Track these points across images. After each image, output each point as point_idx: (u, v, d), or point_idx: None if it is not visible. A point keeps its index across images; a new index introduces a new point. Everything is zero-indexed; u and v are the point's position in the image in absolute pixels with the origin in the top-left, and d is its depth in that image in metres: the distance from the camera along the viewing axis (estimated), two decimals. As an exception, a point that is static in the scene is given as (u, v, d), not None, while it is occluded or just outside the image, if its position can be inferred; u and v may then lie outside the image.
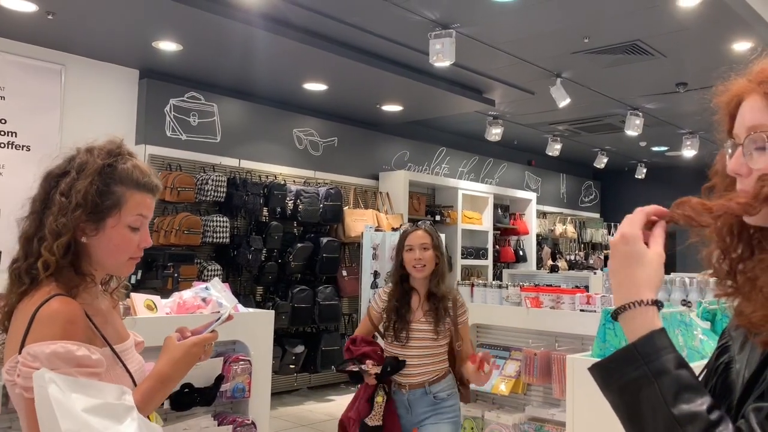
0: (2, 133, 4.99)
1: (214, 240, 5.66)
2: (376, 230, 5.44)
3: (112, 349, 1.40)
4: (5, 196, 4.94)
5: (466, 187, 8.34)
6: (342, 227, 6.74)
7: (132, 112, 5.74)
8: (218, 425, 2.60)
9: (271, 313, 2.91)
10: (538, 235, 9.54)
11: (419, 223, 3.09)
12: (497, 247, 8.85)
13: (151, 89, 5.75)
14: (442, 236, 5.61)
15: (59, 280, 1.35)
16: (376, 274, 5.10)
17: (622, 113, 7.24)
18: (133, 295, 2.52)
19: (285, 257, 6.23)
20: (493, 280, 7.75)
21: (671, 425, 0.80)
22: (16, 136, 5.06)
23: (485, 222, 8.50)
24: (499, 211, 8.88)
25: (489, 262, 8.45)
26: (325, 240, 6.44)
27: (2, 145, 4.99)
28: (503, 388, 3.12)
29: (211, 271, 5.57)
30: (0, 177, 4.96)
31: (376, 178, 7.59)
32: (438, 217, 7.85)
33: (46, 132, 5.21)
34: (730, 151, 0.93)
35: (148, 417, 2.16)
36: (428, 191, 8.19)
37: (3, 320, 1.39)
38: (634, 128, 7.09)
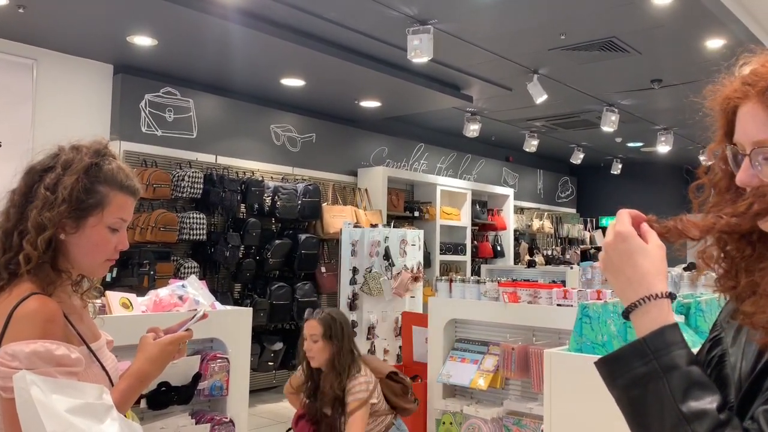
0: (-28, 128, 4.88)
1: (191, 237, 5.60)
2: (355, 226, 5.43)
3: (89, 348, 1.39)
4: (-25, 193, 4.84)
5: (445, 183, 8.36)
6: (320, 224, 6.72)
7: (106, 108, 5.65)
8: (196, 424, 2.58)
9: (249, 310, 2.89)
10: (515, 231, 9.61)
11: (316, 311, 3.07)
12: (475, 242, 8.89)
13: (125, 84, 5.67)
14: (420, 232, 5.66)
15: (37, 275, 1.34)
16: (354, 270, 5.10)
17: (598, 109, 7.31)
18: (108, 293, 2.48)
19: (263, 254, 6.19)
20: (472, 275, 7.78)
21: (678, 422, 0.78)
22: (-14, 132, 4.95)
23: (463, 218, 8.54)
24: (477, 206, 8.91)
25: (467, 257, 8.49)
26: (303, 236, 6.41)
27: (-28, 141, 4.88)
28: (482, 383, 3.14)
29: (188, 268, 5.52)
30: (-30, 174, 4.85)
31: (355, 174, 7.58)
32: (417, 213, 7.86)
33: (19, 127, 5.11)
34: (731, 156, 0.91)
35: (125, 415, 2.15)
36: (407, 187, 8.20)
37: None
38: (609, 124, 7.16)
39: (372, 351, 5.11)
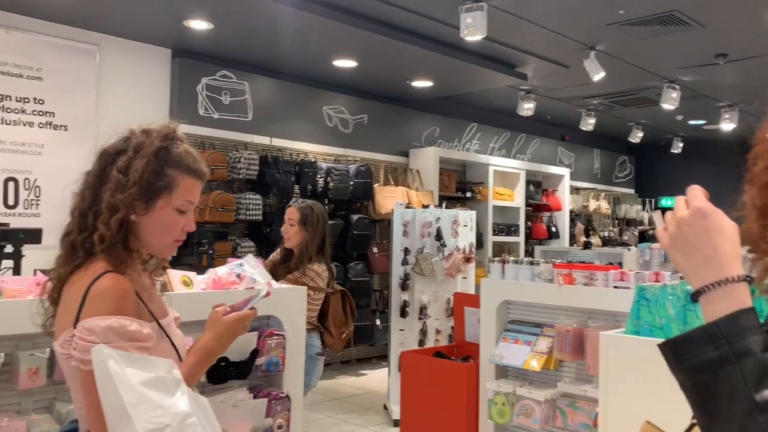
0: (41, 113, 5.11)
1: (247, 217, 5.74)
2: (407, 207, 5.45)
3: (159, 324, 1.45)
4: (45, 175, 5.08)
5: (498, 163, 8.27)
6: (372, 204, 6.76)
7: (165, 91, 5.81)
8: (254, 398, 2.66)
9: (304, 289, 2.95)
10: (571, 212, 9.44)
11: (299, 200, 3.62)
12: (529, 223, 8.79)
13: (183, 68, 5.81)
14: (472, 213, 5.63)
15: (110, 255, 1.39)
16: (406, 251, 5.12)
17: (658, 86, 7.07)
18: (169, 271, 2.57)
19: (316, 234, 6.27)
20: (525, 256, 7.70)
21: (751, 411, 0.73)
22: (54, 117, 5.17)
23: (517, 198, 8.44)
24: (531, 187, 8.79)
25: (521, 238, 8.41)
26: (355, 217, 6.48)
27: (41, 125, 5.11)
28: (535, 364, 3.12)
29: (245, 247, 5.66)
30: (39, 156, 5.08)
31: (406, 155, 7.58)
32: (469, 194, 7.81)
33: (83, 112, 5.31)
34: None
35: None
36: (459, 168, 8.15)
37: (52, 291, 1.43)
38: (670, 101, 6.93)
39: (424, 331, 5.15)
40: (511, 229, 8.28)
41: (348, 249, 6.50)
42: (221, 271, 2.68)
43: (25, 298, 2.09)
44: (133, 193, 1.39)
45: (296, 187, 6.23)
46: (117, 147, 1.45)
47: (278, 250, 3.69)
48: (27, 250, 3.34)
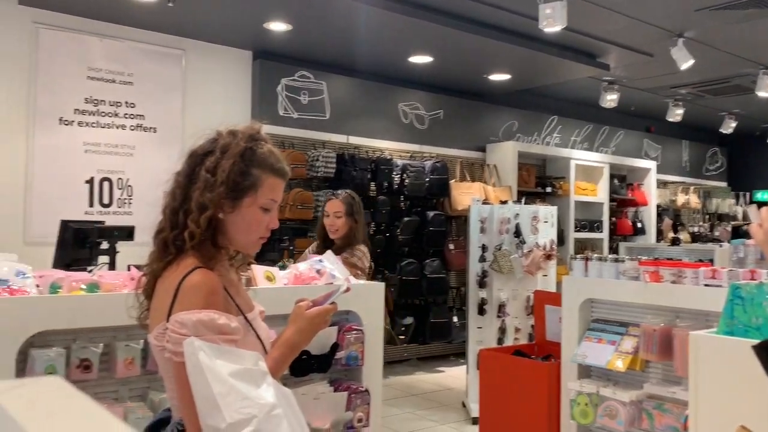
0: (132, 116, 5.39)
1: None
2: (484, 203, 5.39)
3: (245, 318, 1.50)
4: (137, 176, 5.37)
5: (580, 156, 8.05)
6: (449, 201, 6.74)
7: (247, 93, 6.00)
8: (334, 391, 2.72)
9: (382, 284, 2.98)
10: (658, 206, 9.06)
11: (336, 192, 3.63)
12: (613, 219, 8.51)
13: (264, 70, 5.98)
14: (553, 209, 5.51)
15: (200, 252, 1.46)
16: (484, 248, 5.07)
17: (753, 73, 6.68)
18: (253, 266, 2.66)
19: (393, 231, 6.34)
20: (609, 253, 7.47)
21: None
22: (144, 119, 5.45)
23: (600, 193, 8.19)
24: (616, 181, 8.51)
25: (604, 235, 8.15)
26: (431, 214, 6.48)
27: (132, 128, 5.40)
28: (620, 365, 3.03)
29: (323, 244, 5.76)
30: (131, 158, 5.37)
31: (483, 150, 7.50)
32: (549, 189, 7.65)
33: (170, 114, 5.57)
34: None
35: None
36: (538, 162, 7.99)
37: (146, 286, 1.52)
38: (766, 89, 6.52)
39: (503, 329, 5.09)
40: (594, 225, 8.04)
41: (424, 245, 6.51)
42: (302, 266, 2.75)
43: (121, 292, 2.22)
44: (221, 192, 1.45)
45: (372, 184, 6.28)
46: (205, 148, 1.52)
47: (311, 247, 3.71)
48: (121, 246, 3.54)
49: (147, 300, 1.52)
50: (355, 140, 6.44)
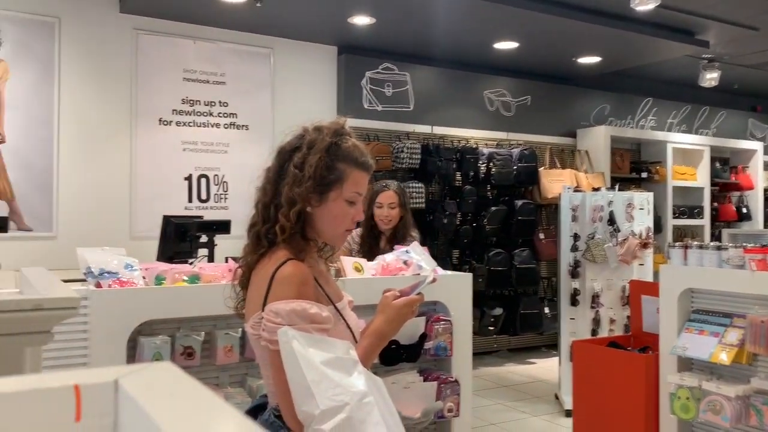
0: (226, 114, 5.62)
1: (411, 205, 5.86)
2: (575, 191, 5.24)
3: (335, 307, 1.55)
4: (231, 171, 5.60)
5: (677, 139, 7.66)
6: (537, 189, 6.60)
7: (332, 87, 6.12)
8: (423, 381, 2.74)
9: (470, 275, 2.97)
10: (765, 190, 8.48)
11: (388, 183, 3.61)
12: (715, 204, 8.05)
13: (348, 64, 6.07)
14: (649, 195, 5.29)
15: (290, 244, 1.52)
16: (575, 237, 4.93)
17: None
18: (342, 257, 2.73)
19: (480, 221, 6.28)
20: (711, 240, 7.08)
21: None
22: (236, 117, 5.68)
23: (700, 177, 7.76)
24: (717, 164, 8.04)
25: (706, 221, 7.73)
26: (520, 203, 6.37)
27: (226, 126, 5.63)
28: (724, 358, 2.88)
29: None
30: (226, 155, 5.61)
31: (574, 135, 7.28)
32: (645, 174, 7.33)
33: (261, 112, 5.77)
34: None
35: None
36: (633, 146, 7.67)
37: (242, 277, 1.60)
38: None
39: (597, 320, 4.94)
40: (693, 212, 7.64)
41: (512, 235, 6.41)
42: (389, 257, 2.79)
43: (220, 283, 2.33)
44: (308, 186, 1.50)
45: (458, 174, 6.25)
46: (293, 144, 1.58)
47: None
48: (218, 239, 3.71)
49: (243, 290, 1.60)
50: (439, 130, 6.42)
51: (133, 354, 2.24)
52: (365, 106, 6.11)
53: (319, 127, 1.58)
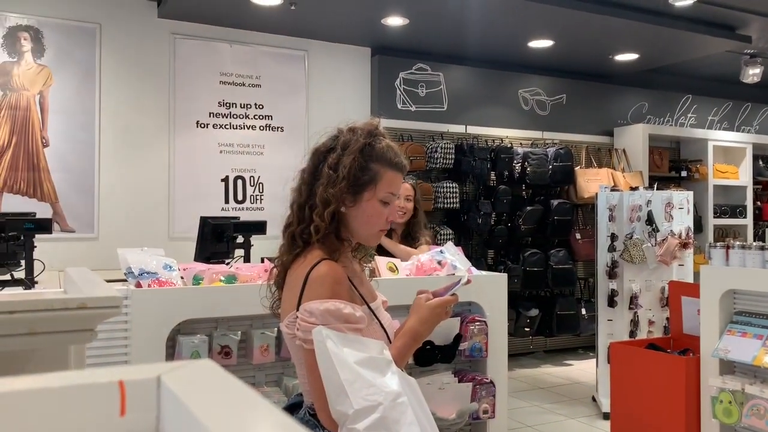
0: (261, 117, 5.69)
1: (445, 205, 5.87)
2: (612, 190, 5.16)
3: (369, 307, 1.56)
4: (267, 173, 5.67)
5: (718, 137, 7.48)
6: (573, 188, 6.51)
7: (366, 88, 6.14)
8: (458, 382, 2.73)
9: (505, 276, 2.95)
10: (811, 188, 8.22)
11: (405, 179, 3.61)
12: (758, 203, 7.82)
13: (382, 65, 6.08)
14: (689, 194, 5.18)
15: (325, 244, 1.53)
16: (613, 237, 4.85)
17: None
18: (377, 258, 2.74)
19: (514, 221, 6.23)
20: (754, 240, 6.89)
21: None
22: (272, 119, 5.74)
23: (743, 176, 7.56)
24: (761, 162, 7.82)
25: (748, 220, 7.53)
26: (555, 202, 6.30)
27: (262, 128, 5.70)
28: (768, 361, 2.80)
29: (444, 235, 5.79)
30: (261, 156, 5.68)
31: (611, 134, 7.17)
32: (684, 173, 7.18)
33: (295, 113, 5.82)
34: None
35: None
36: (672, 145, 7.51)
37: (277, 277, 1.62)
38: None
39: (635, 321, 4.85)
40: (736, 211, 7.45)
41: (548, 235, 6.34)
42: (424, 257, 2.79)
43: (256, 283, 2.36)
44: (343, 187, 1.51)
45: (492, 173, 6.21)
46: (327, 145, 1.59)
47: None
48: (254, 240, 3.76)
49: (278, 290, 1.61)
50: (473, 130, 6.39)
51: (172, 353, 2.29)
52: (399, 107, 6.11)
53: (353, 128, 1.59)
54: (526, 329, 6.24)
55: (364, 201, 1.55)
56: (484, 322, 2.77)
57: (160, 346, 2.22)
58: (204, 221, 4.01)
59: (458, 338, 2.64)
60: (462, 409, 2.62)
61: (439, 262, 2.76)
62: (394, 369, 1.40)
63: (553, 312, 6.30)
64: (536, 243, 6.40)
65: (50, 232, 3.37)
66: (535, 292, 6.44)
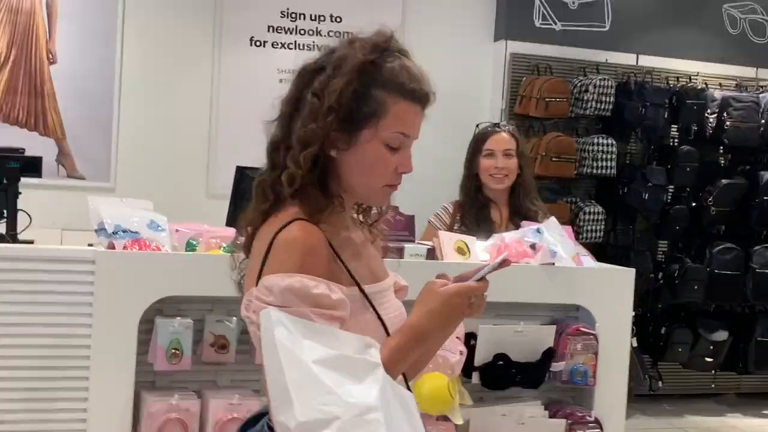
0: (338, 33, 5.71)
1: (595, 171, 5.75)
2: None
3: (362, 291, 1.56)
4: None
5: None
6: (798, 155, 6.20)
7: (490, -1, 6.06)
8: (549, 417, 2.71)
9: (630, 271, 2.87)
10: None
11: (498, 124, 3.61)
12: None
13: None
14: None
15: (304, 200, 1.54)
16: None
17: None
18: (442, 234, 2.75)
19: (701, 199, 6.02)
20: None
21: None
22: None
23: None
24: None
25: None
26: (767, 175, 6.00)
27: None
28: None
29: (589, 214, 5.67)
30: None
31: None
32: None
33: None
34: None
35: (449, 388, 2.38)
36: None
37: (247, 244, 1.64)
38: None
39: None
40: None
41: (753, 224, 6.10)
42: (510, 236, 2.76)
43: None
44: (330, 121, 1.50)
45: (672, 127, 6.06)
46: (317, 63, 1.58)
47: (444, 211, 3.50)
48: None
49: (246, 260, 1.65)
50: (647, 61, 6.20)
51: (146, 339, 2.42)
52: (537, 24, 6.01)
53: (354, 39, 1.57)
54: (708, 360, 6.07)
55: (363, 142, 1.53)
56: (594, 335, 2.72)
57: (131, 329, 2.35)
58: (241, 172, 4.15)
59: (549, 354, 2.62)
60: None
61: (533, 246, 2.72)
62: (380, 376, 1.40)
63: (752, 337, 6.08)
64: (732, 234, 6.21)
65: (40, 175, 3.62)
66: (725, 307, 6.25)
